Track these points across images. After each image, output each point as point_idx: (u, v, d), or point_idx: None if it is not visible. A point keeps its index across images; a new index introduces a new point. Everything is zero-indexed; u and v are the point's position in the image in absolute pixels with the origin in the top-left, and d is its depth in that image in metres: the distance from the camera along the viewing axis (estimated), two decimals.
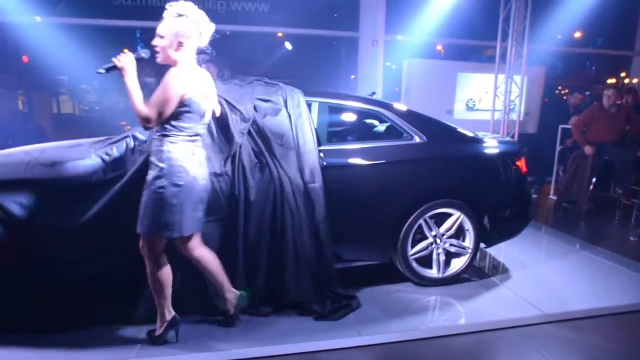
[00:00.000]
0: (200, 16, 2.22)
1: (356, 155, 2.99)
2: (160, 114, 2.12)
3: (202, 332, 2.54)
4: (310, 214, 2.73)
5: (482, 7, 7.28)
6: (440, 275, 3.21)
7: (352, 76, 9.81)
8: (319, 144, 2.92)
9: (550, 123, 6.62)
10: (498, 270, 3.62)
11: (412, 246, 3.13)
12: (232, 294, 2.51)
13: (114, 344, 2.42)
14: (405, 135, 3.17)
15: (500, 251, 3.95)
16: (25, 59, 9.17)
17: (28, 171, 2.54)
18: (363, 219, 3.00)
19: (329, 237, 2.79)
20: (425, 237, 3.16)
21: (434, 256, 3.20)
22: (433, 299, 3.06)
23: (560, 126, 6.25)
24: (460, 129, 3.40)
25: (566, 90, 8.89)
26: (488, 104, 7.14)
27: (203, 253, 2.40)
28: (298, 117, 2.84)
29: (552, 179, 6.52)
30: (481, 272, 3.55)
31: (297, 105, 2.88)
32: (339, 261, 2.99)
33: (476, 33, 7.71)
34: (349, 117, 3.54)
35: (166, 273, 2.32)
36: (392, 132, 3.26)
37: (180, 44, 2.17)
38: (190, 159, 2.22)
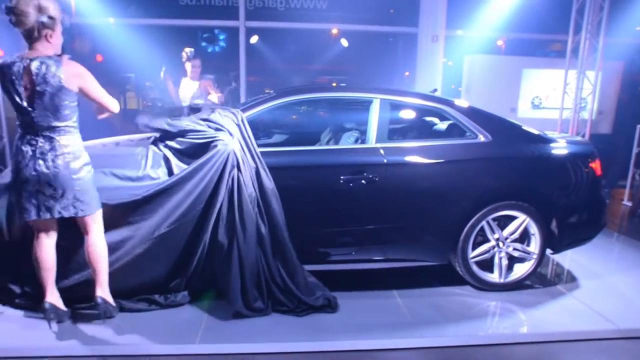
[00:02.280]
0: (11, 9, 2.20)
1: (419, 153, 2.94)
2: None
3: (266, 323, 2.61)
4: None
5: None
6: (501, 281, 3.08)
7: (407, 73, 9.62)
8: (381, 141, 2.92)
9: (626, 123, 6.13)
10: (564, 278, 3.41)
11: (473, 249, 3.02)
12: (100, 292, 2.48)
13: (178, 327, 2.54)
14: (468, 133, 3.06)
15: (565, 258, 3.72)
16: (99, 57, 9.87)
17: (103, 163, 2.71)
18: (423, 218, 2.95)
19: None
20: (487, 240, 3.04)
21: (496, 260, 3.07)
22: (493, 305, 2.95)
23: (639, 126, 5.76)
24: (527, 128, 3.23)
25: None
26: (556, 101, 6.73)
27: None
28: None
29: (626, 183, 6.04)
30: (545, 279, 3.36)
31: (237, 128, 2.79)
32: (396, 260, 2.96)
33: (542, 26, 7.29)
34: (410, 115, 3.47)
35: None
36: (455, 130, 3.16)
37: None
38: (26, 151, 2.28)
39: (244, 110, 2.90)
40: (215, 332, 2.50)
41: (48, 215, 2.34)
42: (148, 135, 3.12)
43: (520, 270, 3.11)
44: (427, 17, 6.70)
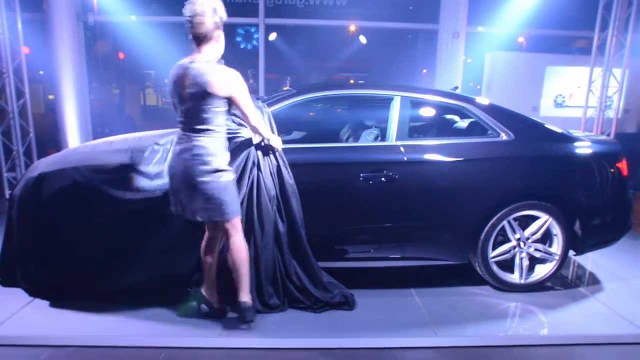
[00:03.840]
0: (190, 12, 2.24)
1: (440, 151, 2.91)
2: None
3: (285, 319, 2.64)
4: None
5: None
6: (522, 282, 3.04)
7: (425, 71, 9.53)
8: (402, 139, 2.91)
9: None
10: (586, 280, 3.34)
11: (494, 249, 2.99)
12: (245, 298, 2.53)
13: (199, 320, 2.58)
14: (490, 132, 3.02)
15: (587, 260, 3.65)
16: (121, 55, 10.05)
17: (128, 157, 2.76)
18: (443, 217, 2.92)
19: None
20: (509, 240, 3.01)
21: (517, 261, 3.03)
22: (513, 306, 2.91)
23: None
24: (551, 126, 3.17)
25: None
26: (580, 100, 6.58)
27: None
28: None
29: None
30: (567, 282, 3.30)
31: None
32: (415, 259, 2.96)
33: (565, 23, 7.12)
34: (431, 112, 3.44)
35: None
36: (477, 128, 3.12)
37: None
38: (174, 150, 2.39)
39: None
40: (236, 327, 2.53)
41: (188, 216, 2.39)
42: (172, 130, 3.16)
43: (542, 271, 3.06)
44: (448, 13, 6.61)
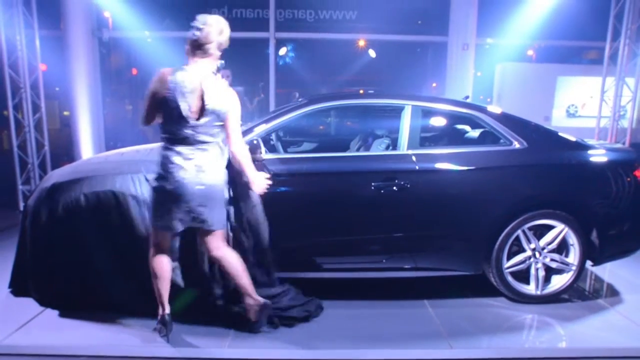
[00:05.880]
0: (201, 23, 2.31)
1: (452, 160, 2.89)
2: (144, 114, 2.34)
3: (298, 331, 2.60)
4: None
5: (585, 5, 6.71)
6: (538, 292, 2.97)
7: (434, 84, 9.55)
8: (413, 148, 2.88)
9: None
10: (604, 291, 3.25)
11: (508, 259, 2.93)
12: (252, 301, 2.50)
13: (209, 332, 2.56)
14: (502, 140, 2.99)
15: (605, 271, 3.56)
16: (134, 71, 10.24)
17: (139, 168, 2.79)
18: (456, 227, 2.89)
19: None
20: (523, 250, 2.95)
21: (532, 271, 2.97)
22: (529, 318, 2.84)
23: None
24: (564, 134, 3.14)
25: None
26: (593, 110, 6.53)
27: (223, 254, 2.43)
28: None
29: None
30: (584, 293, 3.22)
31: None
32: (428, 270, 2.92)
33: (575, 34, 7.12)
34: (443, 121, 3.43)
35: (158, 266, 2.41)
36: (489, 137, 3.09)
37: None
38: (177, 163, 2.27)
39: (276, 117, 2.93)
40: (245, 338, 2.50)
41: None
42: None
43: (558, 282, 2.99)
44: (457, 25, 6.63)
